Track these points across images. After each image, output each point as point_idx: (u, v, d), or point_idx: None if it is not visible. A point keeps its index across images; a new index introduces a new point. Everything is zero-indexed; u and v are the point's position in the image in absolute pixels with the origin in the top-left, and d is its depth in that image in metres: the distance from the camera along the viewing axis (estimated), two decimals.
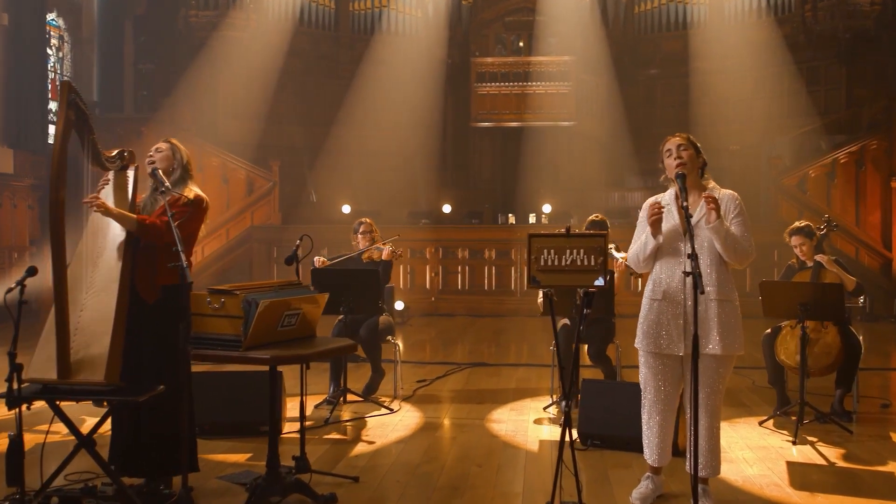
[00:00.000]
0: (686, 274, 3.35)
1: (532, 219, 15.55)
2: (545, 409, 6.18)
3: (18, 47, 14.18)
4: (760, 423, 5.66)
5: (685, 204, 3.49)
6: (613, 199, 16.93)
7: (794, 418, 5.44)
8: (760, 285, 5.50)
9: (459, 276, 13.93)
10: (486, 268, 13.94)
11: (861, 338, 5.90)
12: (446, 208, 15.48)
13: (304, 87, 17.56)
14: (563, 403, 3.63)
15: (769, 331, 6.02)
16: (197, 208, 4.19)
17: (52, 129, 15.82)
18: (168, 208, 3.94)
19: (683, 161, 3.73)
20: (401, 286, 13.86)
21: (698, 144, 3.88)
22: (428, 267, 14.06)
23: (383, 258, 6.64)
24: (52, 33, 16.13)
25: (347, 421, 5.79)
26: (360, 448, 5.10)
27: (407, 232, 14.41)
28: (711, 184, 3.88)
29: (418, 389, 6.95)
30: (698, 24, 17.35)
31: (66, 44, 16.64)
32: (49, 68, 16.01)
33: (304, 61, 17.97)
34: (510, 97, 17.23)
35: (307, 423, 5.58)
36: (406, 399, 6.56)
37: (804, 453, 4.98)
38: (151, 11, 17.26)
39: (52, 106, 16.07)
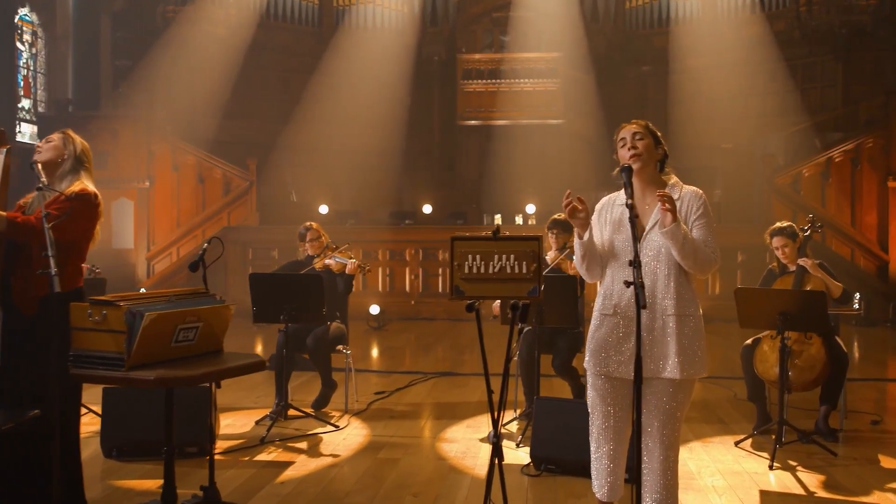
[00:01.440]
0: (627, 284, 2.84)
1: (519, 220, 15.08)
2: (504, 425, 5.69)
3: None
4: (737, 444, 5.16)
5: (629, 202, 2.98)
6: (601, 198, 16.42)
7: (773, 437, 4.95)
8: (736, 293, 5.00)
9: (440, 278, 13.44)
10: None
11: (848, 349, 5.42)
12: (426, 208, 14.99)
13: (285, 84, 17.10)
14: (490, 434, 3.14)
15: (749, 342, 5.53)
16: (82, 204, 3.68)
17: (23, 126, 15.37)
18: (43, 207, 3.43)
19: (638, 152, 3.23)
20: (379, 289, 13.40)
21: (658, 133, 3.38)
22: (408, 269, 13.58)
23: (347, 272, 6.13)
24: (24, 28, 15.67)
25: (286, 440, 5.29)
26: (290, 472, 4.61)
27: (387, 233, 14.01)
28: (673, 179, 3.35)
29: (374, 402, 6.47)
30: (690, 19, 16.90)
31: (39, 39, 16.17)
32: (21, 64, 15.56)
33: (286, 57, 17.54)
34: (497, 94, 16.76)
35: (235, 444, 5.11)
36: (358, 413, 6.07)
37: (781, 480, 4.48)
38: (129, 7, 16.81)
39: (25, 103, 15.63)
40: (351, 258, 6.16)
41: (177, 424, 4.78)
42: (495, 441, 3.08)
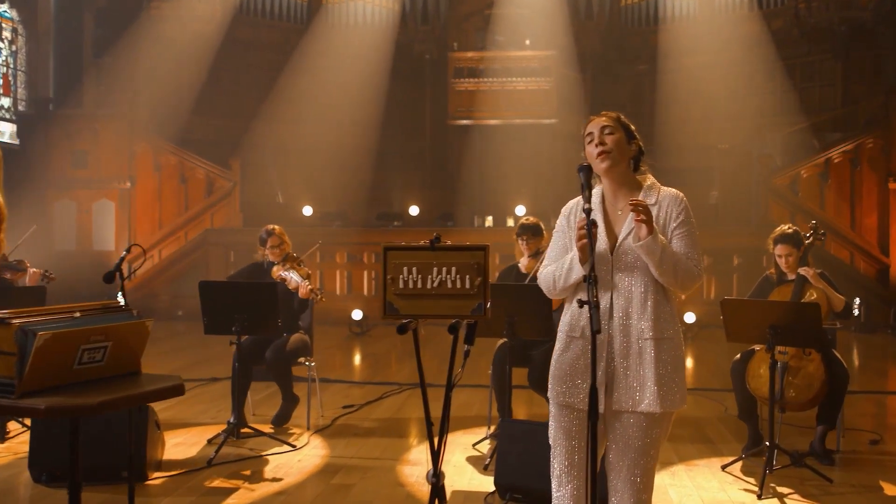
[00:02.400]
0: (581, 304, 2.43)
1: (510, 221, 14.69)
2: (475, 445, 5.29)
3: None
4: (724, 468, 4.75)
5: (587, 206, 2.57)
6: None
7: (764, 459, 4.54)
8: (722, 304, 4.60)
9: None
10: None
11: (846, 358, 5.01)
12: (413, 210, 14.60)
13: (271, 83, 16.66)
14: (429, 473, 2.74)
15: (739, 356, 5.13)
16: None
17: (2, 125, 14.99)
18: None
19: (607, 148, 2.82)
20: (364, 293, 13.00)
21: (632, 127, 2.95)
22: None
23: (300, 295, 5.68)
24: (3, 25, 15.28)
25: (236, 461, 4.88)
26: (231, 501, 4.20)
27: (374, 235, 13.62)
28: (649, 180, 2.94)
29: (340, 418, 6.06)
30: (686, 17, 16.50)
31: (20, 37, 15.78)
32: (0, 62, 15.18)
33: (273, 55, 17.13)
34: (489, 93, 16.37)
35: (180, 468, 4.71)
36: (320, 430, 5.67)
37: None
38: (113, 3, 16.41)
39: (5, 102, 15.24)
40: (306, 278, 5.70)
41: (108, 446, 4.41)
42: (434, 481, 2.68)
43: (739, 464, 4.81)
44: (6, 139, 15.01)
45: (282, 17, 17.33)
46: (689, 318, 10.90)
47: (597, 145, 2.84)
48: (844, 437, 5.27)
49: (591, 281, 2.35)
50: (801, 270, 4.94)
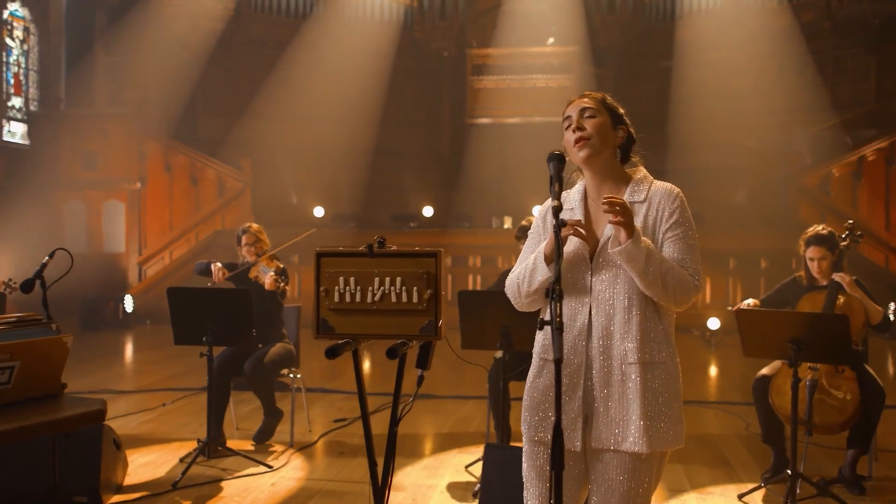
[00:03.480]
0: (541, 325, 1.97)
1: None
2: (467, 467, 4.85)
3: None
4: (741, 497, 4.26)
5: (555, 203, 2.11)
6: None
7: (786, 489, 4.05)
8: (737, 315, 4.11)
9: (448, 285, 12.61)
10: (469, 276, 12.64)
11: (880, 370, 4.49)
12: (427, 211, 14.16)
13: (285, 81, 16.31)
14: None
15: (765, 371, 4.63)
16: None
17: (12, 125, 14.76)
18: None
19: (585, 134, 2.38)
20: None
21: (620, 110, 2.51)
22: None
23: (266, 287, 5.28)
24: (14, 24, 15.06)
25: (204, 484, 4.48)
26: None
27: (389, 237, 13.17)
28: (640, 173, 2.49)
29: (329, 433, 5.64)
30: (713, 11, 15.93)
31: (31, 36, 15.56)
32: (12, 61, 14.95)
33: (286, 53, 16.76)
34: (508, 91, 15.93)
35: (142, 491, 4.30)
36: (303, 448, 5.25)
37: None
38: (124, 1, 16.15)
39: (16, 102, 15.02)
40: (275, 271, 5.30)
41: (63, 469, 4.02)
42: None
43: (760, 492, 4.32)
44: (17, 139, 14.78)
45: (296, 15, 16.99)
46: (714, 323, 10.38)
47: (574, 130, 2.40)
48: (878, 462, 4.77)
49: (554, 296, 1.88)
50: (836, 276, 4.43)
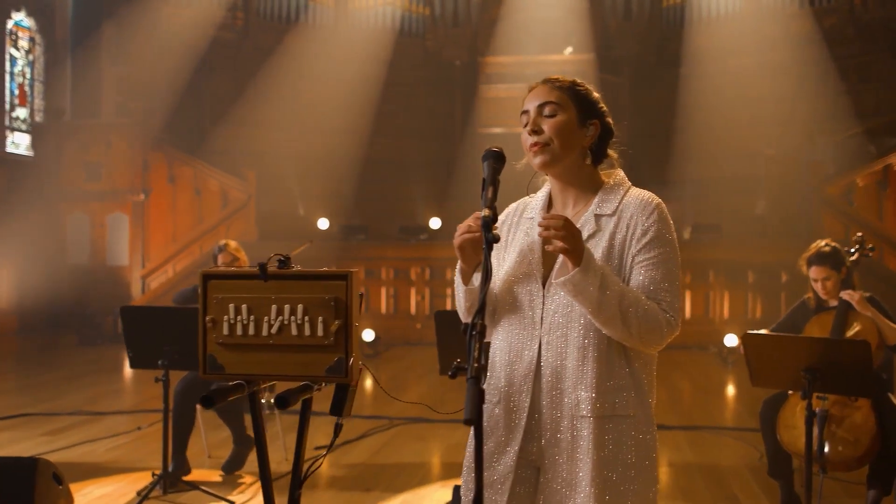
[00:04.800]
0: (453, 373, 1.51)
1: None
2: None
3: None
4: None
5: (485, 214, 1.69)
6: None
7: None
8: (744, 339, 3.66)
9: (448, 299, 12.19)
10: None
11: None
12: (434, 223, 13.77)
13: (292, 91, 16.00)
14: None
15: (768, 398, 4.19)
16: None
17: (16, 136, 14.55)
18: None
19: (542, 139, 1.97)
20: (382, 311, 12.24)
21: (593, 96, 2.06)
22: (413, 289, 12.38)
23: None
24: (20, 34, 14.87)
25: None
26: None
27: (394, 250, 12.84)
28: (615, 178, 2.06)
29: (306, 462, 5.22)
30: (732, 17, 15.44)
31: (37, 46, 15.37)
32: (17, 72, 14.76)
33: (295, 63, 16.45)
34: (521, 100, 15.48)
35: None
36: (276, 480, 4.82)
37: None
38: (131, 11, 15.93)
39: (21, 113, 14.81)
40: None
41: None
42: None
43: None
44: (21, 151, 14.58)
45: (306, 23, 16.68)
46: (731, 340, 9.87)
47: (530, 132, 1.98)
48: None
49: (472, 332, 1.45)
50: (845, 294, 3.98)
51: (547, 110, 1.98)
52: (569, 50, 15.78)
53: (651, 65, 16.16)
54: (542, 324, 1.90)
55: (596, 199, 1.99)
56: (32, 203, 13.55)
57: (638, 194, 2.01)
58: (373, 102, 15.74)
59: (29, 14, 15.05)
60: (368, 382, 8.81)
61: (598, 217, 1.95)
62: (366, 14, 16.67)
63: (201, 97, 15.47)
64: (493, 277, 1.96)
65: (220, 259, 5.15)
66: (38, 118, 14.99)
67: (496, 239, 1.60)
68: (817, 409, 3.80)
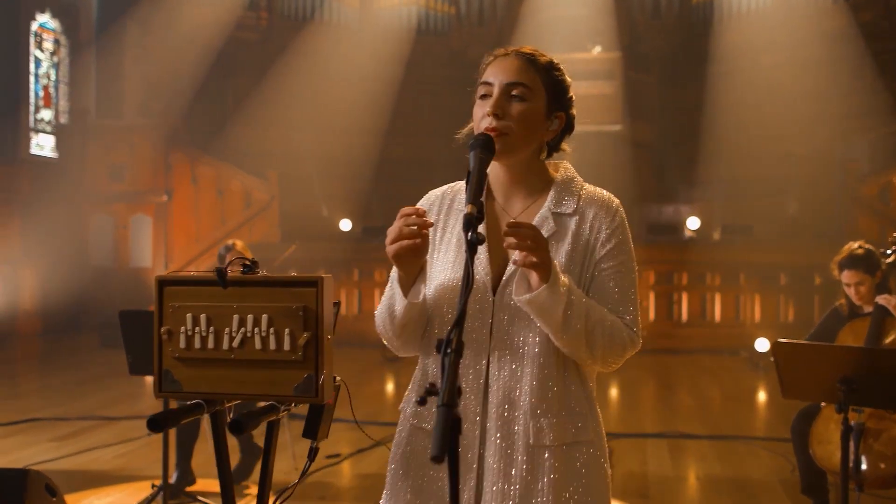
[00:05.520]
0: (422, 399, 1.23)
1: None
2: None
3: None
4: None
5: (468, 211, 1.40)
6: (665, 212, 14.88)
7: None
8: (774, 348, 3.40)
9: None
10: None
11: None
12: None
13: (317, 91, 15.88)
14: None
15: (801, 411, 3.93)
16: None
17: (41, 137, 14.55)
18: None
19: (503, 126, 1.69)
20: None
21: (567, 82, 1.83)
22: None
23: None
24: (45, 36, 14.87)
25: None
26: None
27: None
28: (564, 172, 1.83)
29: (318, 471, 5.05)
30: (763, 13, 15.09)
31: (62, 48, 15.36)
32: (41, 73, 14.77)
33: (320, 62, 16.33)
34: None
35: None
36: (280, 492, 4.64)
37: None
38: (155, 11, 15.90)
39: (45, 114, 14.81)
40: None
41: None
42: None
43: None
44: (46, 152, 14.58)
45: (330, 23, 16.56)
46: (762, 345, 9.55)
47: (490, 113, 1.70)
48: None
49: (448, 351, 1.23)
50: (881, 300, 3.72)
51: (515, 92, 1.71)
52: (597, 49, 15.52)
53: (680, 63, 15.86)
54: (490, 338, 1.66)
55: (550, 196, 1.76)
56: (56, 205, 13.52)
57: (596, 192, 1.79)
58: (396, 102, 15.57)
59: (54, 16, 15.04)
60: (390, 386, 8.65)
61: (556, 216, 1.73)
62: (389, 13, 16.52)
63: (224, 97, 15.41)
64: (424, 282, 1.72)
65: (228, 258, 5.02)
66: (62, 120, 14.98)
67: (481, 240, 1.37)
68: (853, 423, 3.55)
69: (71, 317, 13.22)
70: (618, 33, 15.35)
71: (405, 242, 1.58)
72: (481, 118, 1.72)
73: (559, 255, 1.68)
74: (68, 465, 5.21)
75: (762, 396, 8.13)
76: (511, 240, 1.52)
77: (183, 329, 1.57)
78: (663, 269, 11.69)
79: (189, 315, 1.56)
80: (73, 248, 13.62)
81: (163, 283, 1.60)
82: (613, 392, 8.18)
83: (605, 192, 1.79)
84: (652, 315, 11.50)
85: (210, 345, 1.55)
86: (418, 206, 1.78)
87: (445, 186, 1.93)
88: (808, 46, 14.24)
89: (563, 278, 1.58)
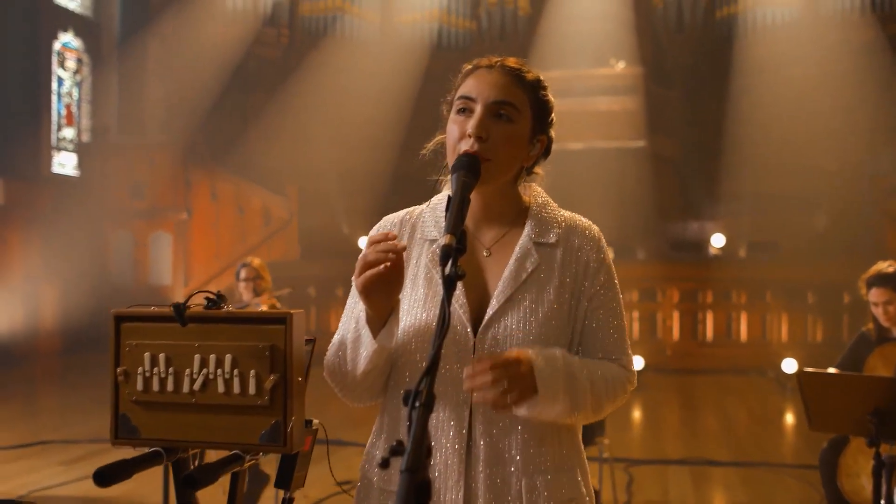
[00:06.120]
0: (384, 461, 1.00)
1: None
2: None
3: (7, 67, 12.97)
4: None
5: (445, 242, 1.23)
6: (689, 229, 14.65)
7: None
8: (799, 378, 3.21)
9: None
10: None
11: None
12: None
13: (337, 107, 15.83)
14: None
15: (834, 440, 3.73)
16: None
17: (63, 156, 14.59)
18: None
19: (485, 152, 1.50)
20: None
21: (550, 103, 1.64)
22: None
23: None
24: (67, 55, 14.95)
25: None
26: None
27: None
28: (537, 196, 1.66)
29: (327, 499, 4.90)
30: (789, 26, 14.87)
31: (84, 66, 15.44)
32: (64, 92, 14.83)
33: (341, 78, 16.30)
34: (570, 115, 15.11)
35: None
36: None
37: None
38: (177, 29, 15.95)
39: (68, 133, 14.86)
40: (267, 299, 4.72)
41: None
42: None
43: None
44: (67, 171, 14.62)
45: (350, 39, 16.53)
46: (790, 366, 9.30)
47: (471, 133, 1.50)
48: None
49: (416, 402, 1.05)
50: None
51: (503, 111, 1.53)
52: (620, 64, 15.37)
53: (704, 77, 15.66)
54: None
55: (529, 224, 1.59)
56: (77, 222, 13.52)
57: (575, 220, 1.63)
58: (416, 117, 15.46)
59: (77, 35, 15.11)
60: None
61: (539, 246, 1.56)
62: (410, 29, 16.47)
63: (244, 113, 15.40)
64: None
65: (243, 274, 4.98)
66: (84, 138, 15.02)
67: (461, 275, 1.20)
68: (885, 457, 3.35)
69: (91, 334, 13.18)
70: (640, 48, 15.19)
71: (374, 270, 1.37)
72: (460, 138, 1.53)
73: (546, 291, 1.52)
74: (75, 490, 5.10)
75: (790, 419, 7.88)
76: (476, 394, 1.35)
77: (140, 370, 1.42)
78: (687, 286, 11.47)
79: (147, 354, 1.42)
80: (93, 265, 13.61)
81: (119, 318, 1.45)
82: (635, 414, 7.97)
83: (583, 218, 1.63)
84: (676, 334, 11.29)
85: (169, 387, 1.41)
86: (371, 233, 1.59)
87: (403, 212, 1.75)
88: (835, 59, 14.02)
89: (559, 366, 1.42)
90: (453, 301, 1.40)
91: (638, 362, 9.46)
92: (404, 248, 1.41)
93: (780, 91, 14.35)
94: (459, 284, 1.45)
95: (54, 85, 14.45)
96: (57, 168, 14.40)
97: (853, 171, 12.96)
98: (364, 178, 14.73)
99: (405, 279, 1.49)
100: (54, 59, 14.47)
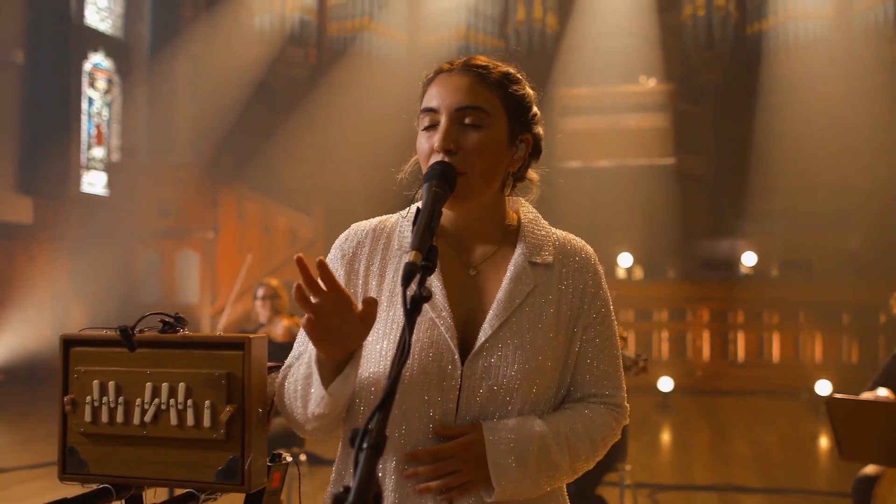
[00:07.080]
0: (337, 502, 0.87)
1: (620, 273, 13.16)
2: None
3: (39, 87, 13.08)
4: None
5: (410, 260, 1.10)
6: (720, 247, 14.42)
7: None
8: (829, 405, 3.04)
9: None
10: None
11: None
12: None
13: (364, 127, 15.80)
14: None
15: (868, 470, 3.54)
16: None
17: (92, 175, 14.69)
18: None
19: (459, 165, 1.36)
20: None
21: (528, 99, 1.52)
22: None
23: (278, 338, 4.63)
24: (98, 76, 15.09)
25: None
26: None
27: None
28: (526, 212, 1.55)
29: None
30: (821, 42, 14.62)
31: (115, 86, 15.57)
32: (94, 112, 14.95)
33: (368, 98, 16.29)
34: (598, 133, 15.04)
35: None
36: None
37: None
38: (206, 48, 16.06)
39: (98, 152, 14.96)
40: (286, 318, 4.72)
41: None
42: None
43: None
44: (97, 190, 14.71)
45: (377, 58, 16.53)
46: (824, 388, 9.03)
47: (438, 148, 1.37)
48: None
49: (363, 444, 0.91)
50: None
51: (469, 119, 1.39)
52: (651, 81, 15.24)
53: (735, 94, 15.45)
54: (457, 412, 1.34)
55: (522, 242, 1.45)
56: (105, 241, 13.58)
57: (568, 239, 1.51)
58: None
59: (107, 55, 15.25)
60: None
61: (534, 266, 1.42)
62: (437, 48, 16.41)
63: (271, 133, 15.42)
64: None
65: (260, 293, 4.95)
66: (114, 157, 15.13)
67: (426, 297, 1.07)
68: None
69: None
70: (668, 64, 15.06)
71: (323, 321, 1.21)
72: (428, 156, 1.39)
73: (543, 318, 1.39)
74: None
75: (824, 444, 7.62)
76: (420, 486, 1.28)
77: (89, 398, 1.31)
78: (718, 307, 11.24)
79: (96, 382, 1.31)
80: (120, 284, 13.64)
81: (68, 342, 1.34)
82: (663, 437, 7.76)
83: (577, 238, 1.51)
84: (706, 354, 11.06)
85: (119, 418, 1.30)
86: (339, 242, 1.45)
87: (375, 220, 1.61)
88: (867, 76, 13.78)
89: (529, 442, 1.31)
90: (438, 324, 1.29)
91: (666, 384, 9.25)
92: (339, 295, 1.22)
93: (811, 107, 14.11)
94: (446, 305, 1.34)
95: (84, 105, 14.56)
96: (86, 187, 14.49)
97: (887, 188, 12.67)
98: (391, 199, 14.63)
99: (381, 295, 1.36)
100: (84, 80, 14.59)
